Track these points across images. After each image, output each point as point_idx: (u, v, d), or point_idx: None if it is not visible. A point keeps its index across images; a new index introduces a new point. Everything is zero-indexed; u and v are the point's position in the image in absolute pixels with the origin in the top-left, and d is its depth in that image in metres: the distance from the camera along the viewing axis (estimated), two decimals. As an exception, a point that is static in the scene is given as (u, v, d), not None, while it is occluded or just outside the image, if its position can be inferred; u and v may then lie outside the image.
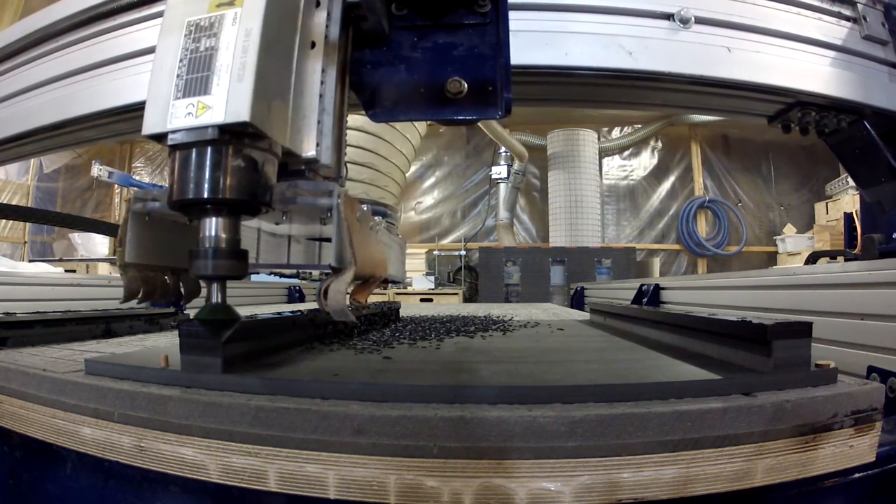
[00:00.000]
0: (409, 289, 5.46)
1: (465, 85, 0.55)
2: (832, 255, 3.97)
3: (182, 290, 0.56)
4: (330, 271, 0.49)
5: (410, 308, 2.22)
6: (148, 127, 0.41)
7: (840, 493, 0.57)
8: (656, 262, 6.52)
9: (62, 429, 0.63)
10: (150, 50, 0.88)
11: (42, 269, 3.33)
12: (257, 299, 2.97)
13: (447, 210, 7.23)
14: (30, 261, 5.52)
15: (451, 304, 3.77)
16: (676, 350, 0.81)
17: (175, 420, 0.55)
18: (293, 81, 0.45)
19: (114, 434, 0.59)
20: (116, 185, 7.53)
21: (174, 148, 0.41)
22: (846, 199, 5.88)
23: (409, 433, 0.50)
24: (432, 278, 6.19)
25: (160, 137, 0.41)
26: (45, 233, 7.23)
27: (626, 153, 7.22)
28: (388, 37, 0.56)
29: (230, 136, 0.40)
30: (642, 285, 1.98)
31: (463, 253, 6.57)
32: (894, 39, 1.00)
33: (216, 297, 0.47)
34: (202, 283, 0.55)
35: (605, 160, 7.06)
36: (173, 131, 0.40)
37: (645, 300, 1.90)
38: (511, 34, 0.58)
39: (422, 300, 4.87)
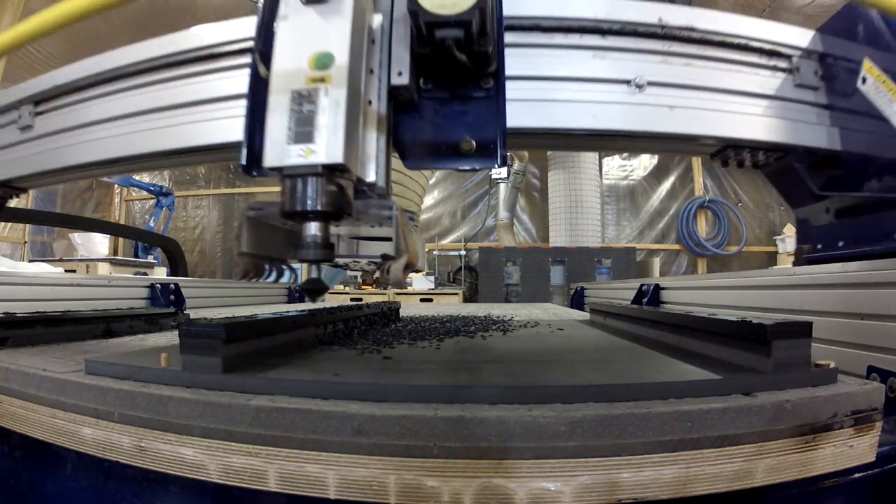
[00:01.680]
0: (409, 289, 5.45)
1: (474, 144, 0.73)
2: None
3: (278, 272, 0.78)
4: (379, 260, 0.74)
5: (410, 308, 2.22)
6: (269, 161, 0.60)
7: (840, 493, 0.57)
8: (656, 262, 6.52)
9: (62, 429, 0.63)
10: (210, 100, 1.11)
11: (42, 269, 3.33)
12: (257, 299, 2.97)
13: (447, 210, 7.24)
14: (30, 261, 5.51)
15: (451, 304, 3.77)
16: (676, 350, 0.81)
17: (175, 420, 0.55)
18: (361, 131, 0.65)
19: (114, 434, 0.59)
20: (116, 185, 7.54)
21: (287, 176, 0.60)
22: (846, 199, 5.88)
23: (409, 433, 0.50)
24: (432, 278, 6.19)
25: (277, 169, 0.60)
26: (45, 233, 7.23)
27: (626, 153, 7.22)
28: (418, 105, 0.75)
29: (328, 170, 0.59)
30: (642, 285, 1.98)
31: (463, 253, 6.57)
32: (826, 84, 1.15)
33: (314, 274, 0.65)
34: (285, 268, 0.78)
35: (605, 160, 7.05)
36: (290, 166, 0.59)
37: (645, 300, 1.89)
38: (507, 103, 0.76)
39: (422, 300, 4.87)
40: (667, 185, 7.14)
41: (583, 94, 1.03)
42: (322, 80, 0.60)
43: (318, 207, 0.59)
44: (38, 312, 1.08)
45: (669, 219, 7.09)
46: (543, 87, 1.02)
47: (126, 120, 1.23)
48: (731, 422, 0.51)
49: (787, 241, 6.45)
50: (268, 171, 0.64)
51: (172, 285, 2.00)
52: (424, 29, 0.64)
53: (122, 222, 7.48)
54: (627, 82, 1.04)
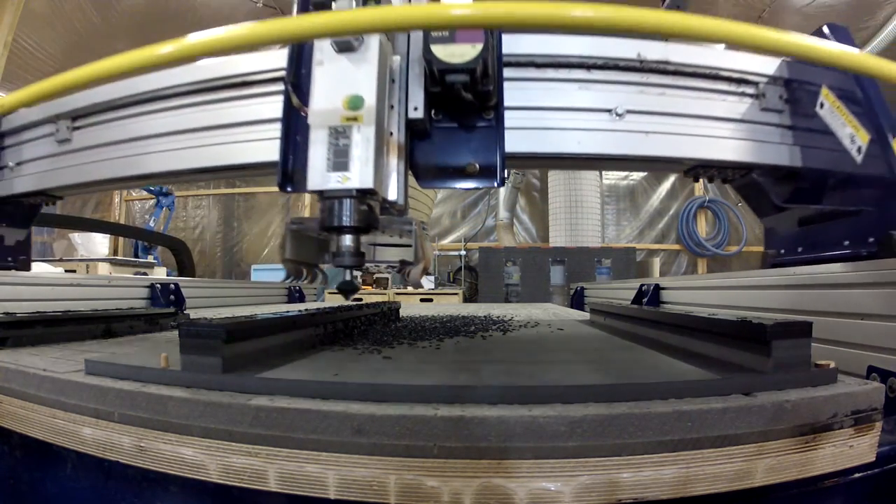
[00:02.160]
0: (409, 289, 5.46)
1: (478, 167, 0.86)
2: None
3: (311, 276, 0.90)
4: (398, 264, 0.87)
5: (410, 308, 2.22)
6: (312, 185, 0.71)
7: (840, 493, 0.57)
8: (656, 262, 6.52)
9: (62, 429, 0.63)
10: (241, 123, 1.24)
11: (42, 269, 3.33)
12: (257, 299, 2.97)
13: (447, 210, 7.23)
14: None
15: (451, 304, 3.77)
16: (676, 350, 0.81)
17: (175, 420, 0.55)
18: (384, 158, 0.76)
19: (114, 434, 0.59)
20: (116, 185, 7.53)
21: (328, 198, 0.71)
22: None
23: (409, 433, 0.50)
24: (432, 278, 6.19)
25: (319, 192, 0.71)
26: (45, 233, 7.23)
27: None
28: (430, 133, 0.87)
29: (360, 193, 0.70)
30: (642, 285, 1.97)
31: (463, 253, 6.57)
32: (790, 107, 1.28)
33: (348, 277, 0.77)
34: (318, 271, 0.90)
35: (605, 160, 7.04)
36: (330, 190, 0.70)
37: (645, 300, 1.89)
38: (507, 132, 0.88)
39: (422, 300, 4.87)
40: (667, 185, 7.14)
41: (570, 122, 1.17)
42: (355, 119, 0.71)
43: (353, 223, 0.71)
44: (38, 312, 1.08)
45: (669, 219, 7.09)
46: (536, 116, 1.16)
47: (163, 138, 1.35)
48: (731, 422, 0.51)
49: (787, 241, 6.43)
50: (301, 189, 0.77)
51: (172, 285, 2.00)
52: (437, 74, 0.75)
53: (121, 222, 7.49)
54: (609, 111, 1.18)
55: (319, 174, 0.70)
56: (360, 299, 3.98)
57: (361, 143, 0.70)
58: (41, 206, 1.83)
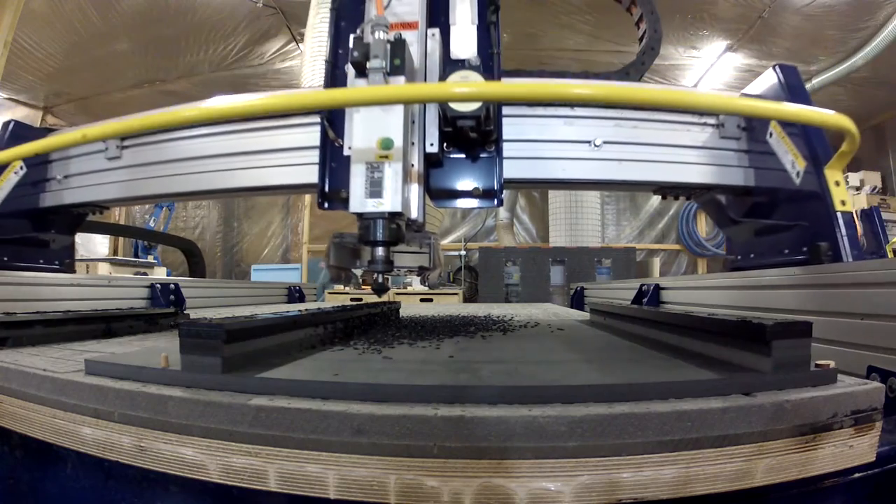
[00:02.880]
0: (410, 289, 5.45)
1: (481, 189, 1.06)
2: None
3: (350, 279, 1.14)
4: (416, 270, 1.19)
5: (410, 308, 2.22)
6: (353, 207, 0.89)
7: (840, 493, 0.57)
8: (656, 262, 6.52)
9: (62, 429, 0.63)
10: (276, 149, 1.47)
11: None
12: (257, 299, 2.97)
13: (447, 210, 7.23)
14: (30, 261, 5.50)
15: (450, 304, 3.77)
16: (676, 350, 0.81)
17: (175, 420, 0.55)
18: (408, 185, 0.93)
19: (114, 434, 0.59)
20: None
21: (366, 218, 0.89)
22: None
23: (409, 433, 0.50)
24: (433, 278, 6.18)
25: (359, 214, 0.89)
26: (45, 233, 7.22)
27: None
28: (442, 163, 1.06)
29: (391, 215, 0.88)
30: (642, 285, 1.97)
31: (463, 253, 6.57)
32: (747, 133, 1.50)
33: (381, 280, 0.98)
34: (351, 276, 1.18)
35: (605, 160, 7.03)
36: (368, 212, 0.89)
37: (645, 300, 1.89)
38: (506, 161, 1.09)
39: (422, 300, 4.86)
40: (667, 185, 7.13)
41: (557, 152, 1.40)
42: (386, 157, 0.88)
43: (386, 238, 0.89)
44: (38, 312, 1.08)
45: (669, 219, 7.08)
46: (529, 148, 1.39)
47: (209, 160, 1.54)
48: (731, 422, 0.51)
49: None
50: (339, 208, 0.98)
51: (172, 285, 2.00)
52: (449, 119, 0.92)
53: (121, 222, 7.48)
54: (589, 142, 1.41)
55: (359, 200, 0.88)
56: (361, 299, 3.97)
57: (392, 176, 0.87)
58: (87, 214, 1.97)
